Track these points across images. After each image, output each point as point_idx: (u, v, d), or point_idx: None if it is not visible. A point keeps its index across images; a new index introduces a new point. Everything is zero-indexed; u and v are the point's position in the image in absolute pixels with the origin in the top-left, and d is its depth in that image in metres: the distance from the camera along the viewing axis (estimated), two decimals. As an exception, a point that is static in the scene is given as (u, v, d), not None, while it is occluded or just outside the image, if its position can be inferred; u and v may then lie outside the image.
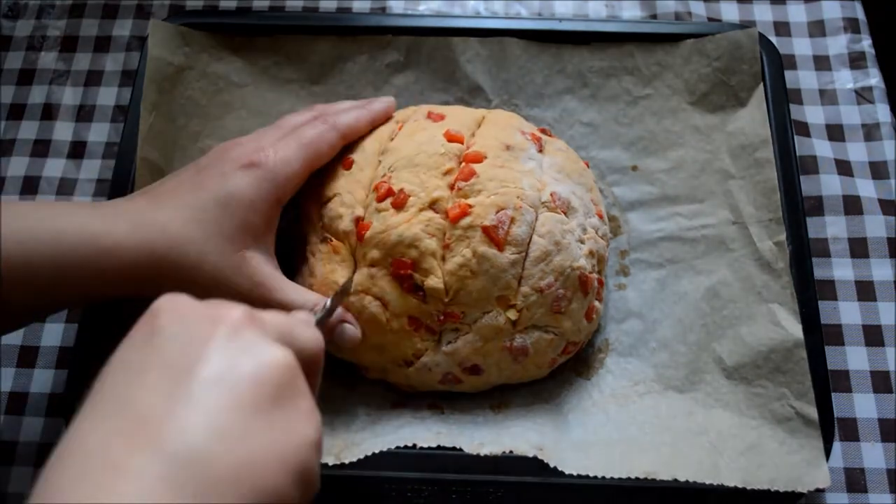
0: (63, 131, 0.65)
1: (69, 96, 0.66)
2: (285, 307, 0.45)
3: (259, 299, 0.45)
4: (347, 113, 0.53)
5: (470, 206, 0.49)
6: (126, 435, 0.28)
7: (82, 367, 0.49)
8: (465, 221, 0.48)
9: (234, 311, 0.33)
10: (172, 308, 0.33)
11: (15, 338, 0.57)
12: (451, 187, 0.50)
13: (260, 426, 0.30)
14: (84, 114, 0.65)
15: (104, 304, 0.52)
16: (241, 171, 0.47)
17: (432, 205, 0.49)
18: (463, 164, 0.51)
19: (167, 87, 0.58)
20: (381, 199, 0.50)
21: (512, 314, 0.49)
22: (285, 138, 0.49)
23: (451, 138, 0.52)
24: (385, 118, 0.55)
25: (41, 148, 0.64)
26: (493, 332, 0.49)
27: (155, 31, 0.59)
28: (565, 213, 0.51)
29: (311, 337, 0.37)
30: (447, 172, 0.50)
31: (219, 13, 0.68)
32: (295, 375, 0.33)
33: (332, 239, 0.51)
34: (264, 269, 0.46)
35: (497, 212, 0.48)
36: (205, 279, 0.45)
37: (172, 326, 0.32)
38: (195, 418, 0.29)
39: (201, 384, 0.30)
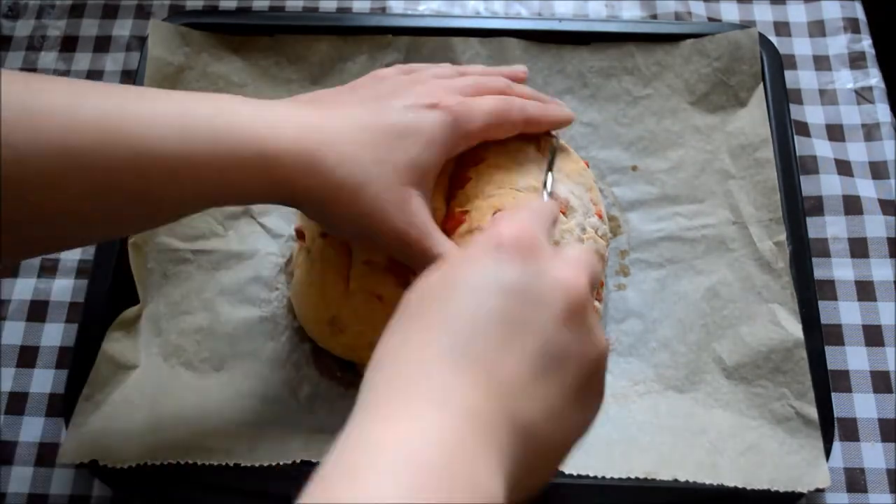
0: (63, 131, 0.64)
1: (69, 96, 0.66)
2: (430, 255, 0.43)
3: (409, 240, 0.43)
4: (533, 105, 0.50)
5: (465, 213, 0.49)
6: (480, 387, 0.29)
7: (82, 367, 0.49)
8: (462, 228, 0.48)
9: (583, 279, 0.34)
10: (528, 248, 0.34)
11: (15, 338, 0.57)
12: (447, 198, 0.50)
13: (574, 408, 0.32)
14: (84, 114, 0.65)
15: (104, 305, 0.52)
16: (426, 110, 0.44)
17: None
18: (461, 167, 0.51)
19: (167, 87, 0.58)
20: None
21: None
22: (470, 99, 0.46)
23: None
24: (550, 128, 0.52)
25: (41, 148, 0.64)
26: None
27: (155, 31, 0.59)
28: (564, 213, 0.51)
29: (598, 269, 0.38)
30: (441, 182, 0.50)
31: (219, 13, 0.68)
32: (606, 358, 0.35)
33: (330, 234, 0.51)
34: (422, 212, 0.44)
35: (494, 213, 0.48)
36: (363, 205, 0.42)
37: (526, 279, 0.32)
38: (537, 392, 0.31)
39: (547, 357, 0.31)
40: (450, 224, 0.49)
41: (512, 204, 0.49)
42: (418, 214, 0.43)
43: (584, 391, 0.33)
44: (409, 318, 0.32)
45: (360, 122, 0.43)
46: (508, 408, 0.29)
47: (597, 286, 0.37)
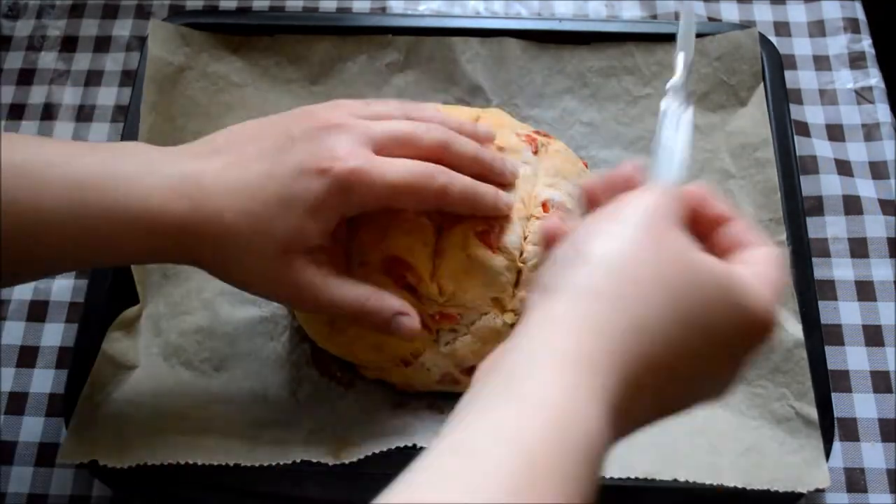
0: (63, 131, 0.64)
1: (69, 96, 0.66)
2: (329, 306, 0.43)
3: (298, 298, 0.44)
4: (461, 187, 0.45)
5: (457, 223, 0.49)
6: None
7: (82, 367, 0.49)
8: (457, 228, 0.48)
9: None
10: None
11: (15, 338, 0.57)
12: None
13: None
14: (84, 114, 0.65)
15: (104, 305, 0.52)
16: (316, 176, 0.41)
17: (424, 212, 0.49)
18: None
19: (167, 87, 0.58)
20: None
21: (509, 318, 0.49)
22: (380, 161, 0.43)
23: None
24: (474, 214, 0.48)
25: (41, 148, 0.64)
26: (491, 334, 0.49)
27: (155, 31, 0.59)
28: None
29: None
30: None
31: (219, 13, 0.68)
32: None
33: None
34: (308, 272, 0.43)
35: (489, 220, 0.48)
36: (244, 274, 0.43)
37: None
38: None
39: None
40: (445, 223, 0.49)
41: (503, 224, 0.48)
42: (301, 278, 0.42)
43: (730, 351, 0.32)
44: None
45: (247, 189, 0.42)
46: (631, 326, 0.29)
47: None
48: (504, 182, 0.48)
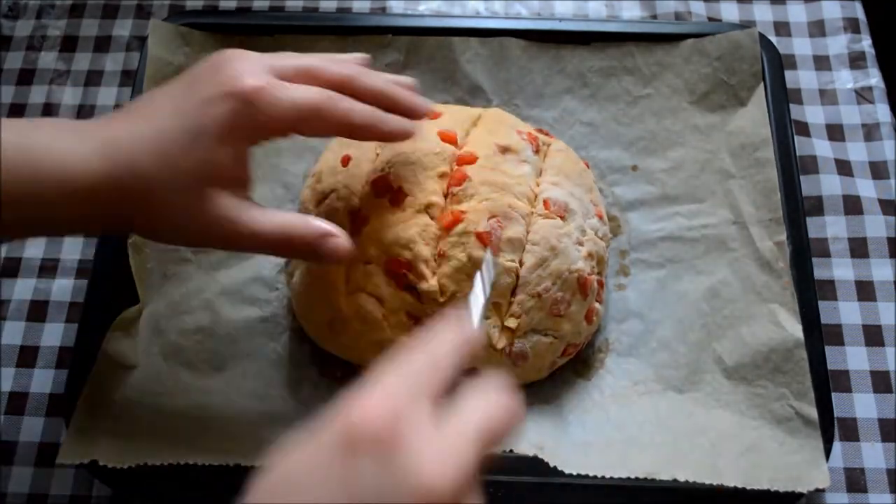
0: (63, 131, 0.64)
1: (69, 96, 0.66)
2: (250, 238, 0.42)
3: (220, 234, 0.42)
4: (363, 113, 0.44)
5: (463, 213, 0.49)
6: None
7: (82, 367, 0.49)
8: (459, 228, 0.48)
9: (450, 489, 0.28)
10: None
11: (15, 338, 0.57)
12: (445, 194, 0.50)
13: None
14: (84, 114, 0.65)
15: (104, 305, 0.52)
16: (220, 101, 0.41)
17: (427, 208, 0.49)
18: (455, 167, 0.51)
19: (167, 86, 0.58)
20: (378, 195, 0.50)
21: (511, 322, 0.49)
22: (281, 84, 0.42)
23: (444, 138, 0.52)
24: (379, 141, 0.48)
25: (41, 148, 0.64)
26: (490, 337, 0.49)
27: (155, 31, 0.59)
28: (562, 217, 0.51)
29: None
30: (441, 175, 0.50)
31: (219, 13, 0.68)
32: None
33: None
34: (224, 203, 0.42)
35: (489, 218, 0.48)
36: (162, 213, 0.42)
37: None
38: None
39: None
40: (446, 221, 0.49)
41: (506, 213, 0.49)
42: (218, 208, 0.41)
43: None
44: None
45: (157, 132, 0.41)
46: None
47: (474, 474, 0.30)
48: (416, 115, 0.47)
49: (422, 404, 0.30)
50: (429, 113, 0.48)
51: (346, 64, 0.45)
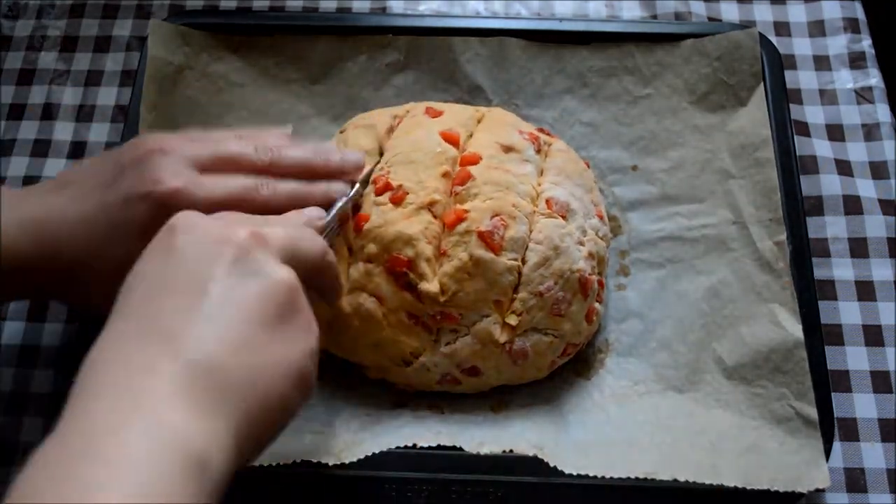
0: (63, 131, 0.64)
1: (69, 96, 0.66)
2: None
3: None
4: (283, 196, 0.47)
5: (466, 212, 0.49)
6: (153, 345, 0.33)
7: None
8: (462, 227, 0.48)
9: (241, 232, 0.37)
10: (186, 226, 0.37)
11: (15, 338, 0.57)
12: (449, 193, 0.50)
13: (267, 339, 0.35)
14: (84, 114, 0.65)
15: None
16: (138, 201, 0.43)
17: (430, 206, 0.49)
18: (459, 167, 0.51)
19: (167, 86, 0.58)
20: (379, 193, 0.50)
21: (512, 319, 0.49)
22: (202, 180, 0.45)
23: (447, 138, 0.52)
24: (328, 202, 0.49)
25: (41, 148, 0.64)
26: (491, 335, 0.49)
27: (155, 31, 0.59)
28: (564, 217, 0.51)
29: (314, 247, 0.41)
30: (444, 175, 0.50)
31: (219, 13, 0.68)
32: (296, 293, 0.38)
33: None
34: None
35: (492, 217, 0.48)
36: (89, 294, 0.44)
37: (187, 246, 0.36)
38: (211, 333, 0.34)
39: (213, 303, 0.34)
40: (449, 219, 0.49)
41: (509, 212, 0.49)
42: None
43: (276, 325, 0.36)
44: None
45: (83, 222, 0.44)
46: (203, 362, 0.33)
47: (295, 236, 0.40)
48: (348, 173, 0.50)
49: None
50: (359, 165, 0.50)
51: (267, 143, 0.48)
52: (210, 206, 0.42)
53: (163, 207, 0.42)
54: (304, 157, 0.48)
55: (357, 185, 0.48)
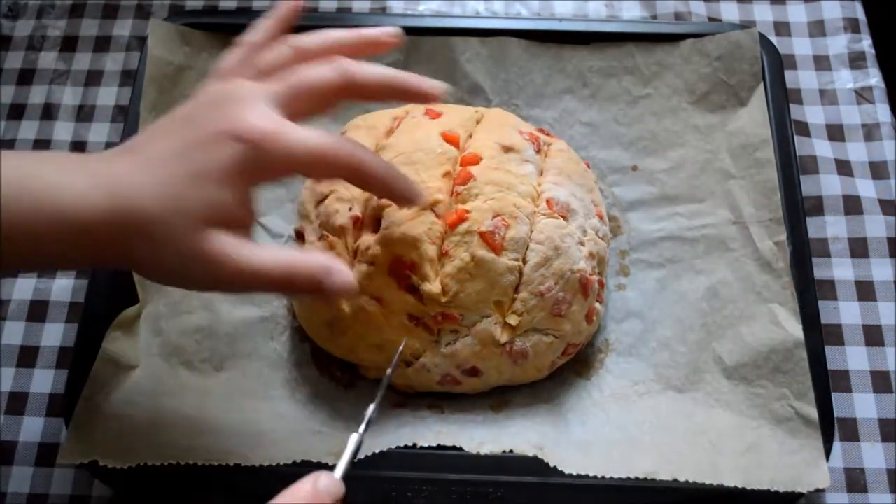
0: (63, 131, 0.64)
1: (69, 96, 0.66)
2: (252, 278, 0.41)
3: (222, 275, 0.40)
4: (373, 163, 0.43)
5: (467, 212, 0.49)
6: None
7: (82, 367, 0.49)
8: (463, 227, 0.48)
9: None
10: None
11: (15, 338, 0.57)
12: (451, 193, 0.50)
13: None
14: (84, 114, 0.65)
15: (104, 305, 0.52)
16: (226, 142, 0.40)
17: (432, 206, 0.49)
18: (460, 167, 0.51)
19: (167, 86, 0.58)
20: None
21: (512, 319, 0.49)
22: (292, 130, 0.41)
23: (447, 139, 0.52)
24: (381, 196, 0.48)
25: (41, 148, 0.64)
26: (491, 336, 0.49)
27: (155, 31, 0.59)
28: (565, 217, 0.51)
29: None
30: (445, 175, 0.50)
31: (219, 13, 0.68)
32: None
33: (329, 235, 0.51)
34: (226, 244, 0.40)
35: (493, 217, 0.48)
36: (164, 253, 0.40)
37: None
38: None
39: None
40: (451, 219, 0.49)
41: (510, 212, 0.49)
42: (219, 249, 0.40)
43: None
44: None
45: (158, 172, 0.41)
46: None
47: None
48: (430, 97, 0.45)
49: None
50: (442, 92, 0.46)
51: (339, 68, 0.44)
52: (301, 155, 0.41)
53: (251, 150, 0.40)
54: (381, 75, 0.45)
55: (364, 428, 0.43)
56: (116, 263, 0.43)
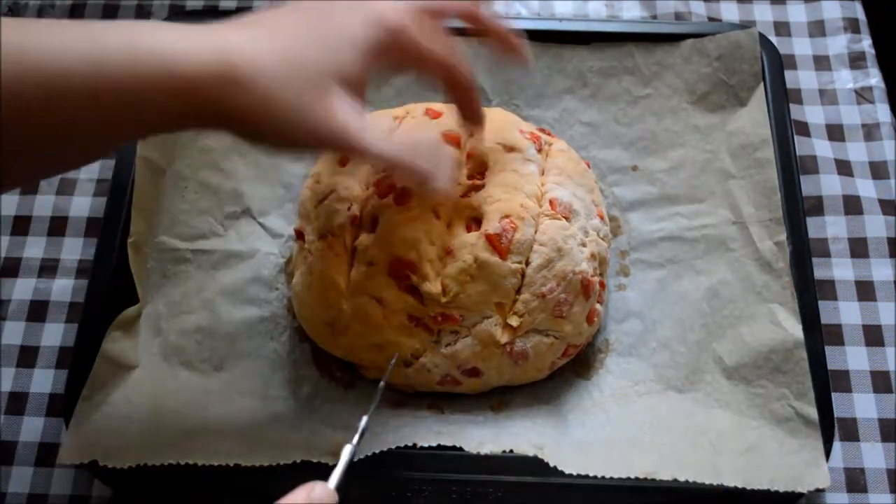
0: (63, 131, 0.64)
1: (69, 96, 0.66)
2: (370, 151, 0.41)
3: (336, 139, 0.40)
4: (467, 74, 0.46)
5: (477, 213, 0.49)
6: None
7: (82, 367, 0.49)
8: (466, 230, 0.49)
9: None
10: None
11: (15, 338, 0.57)
12: (461, 195, 0.50)
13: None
14: (84, 114, 0.65)
15: (104, 305, 0.52)
16: (367, 25, 0.41)
17: (433, 207, 0.49)
18: (465, 167, 0.51)
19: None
20: (383, 196, 0.50)
21: (514, 320, 0.49)
22: (437, 35, 0.44)
23: (449, 139, 0.52)
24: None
25: (41, 148, 0.64)
26: (491, 337, 0.49)
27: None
28: (567, 218, 0.51)
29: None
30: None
31: (219, 13, 0.68)
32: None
33: (329, 235, 0.51)
34: (344, 109, 0.40)
35: (501, 219, 0.48)
36: (278, 110, 0.39)
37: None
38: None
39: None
40: (461, 220, 0.49)
41: (518, 213, 0.49)
42: (338, 111, 0.40)
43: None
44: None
45: (284, 39, 0.40)
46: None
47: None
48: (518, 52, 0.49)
49: None
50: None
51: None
52: (428, 59, 0.43)
53: (388, 35, 0.41)
54: (501, 26, 0.48)
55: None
56: (219, 123, 0.41)
